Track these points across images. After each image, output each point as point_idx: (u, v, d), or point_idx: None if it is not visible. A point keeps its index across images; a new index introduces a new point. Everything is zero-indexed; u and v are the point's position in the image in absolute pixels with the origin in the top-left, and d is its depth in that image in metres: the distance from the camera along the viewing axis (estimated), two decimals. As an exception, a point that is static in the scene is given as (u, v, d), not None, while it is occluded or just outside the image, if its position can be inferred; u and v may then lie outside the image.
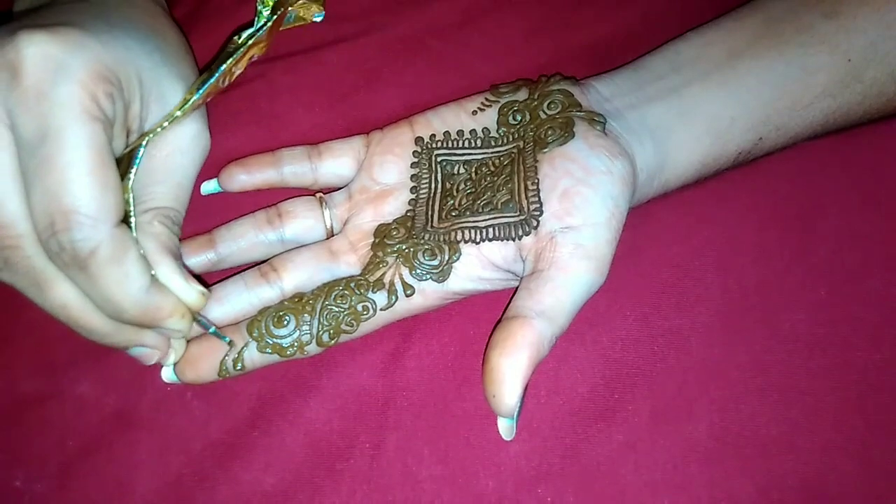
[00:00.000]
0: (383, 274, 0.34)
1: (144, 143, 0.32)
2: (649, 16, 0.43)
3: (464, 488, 0.33)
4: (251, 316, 0.34)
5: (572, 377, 0.34)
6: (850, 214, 0.36)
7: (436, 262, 0.34)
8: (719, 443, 0.33)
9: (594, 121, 0.35)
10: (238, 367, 0.33)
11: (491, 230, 0.34)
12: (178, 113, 0.33)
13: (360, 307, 0.34)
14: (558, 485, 0.32)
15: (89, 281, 0.29)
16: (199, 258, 0.37)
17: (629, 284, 0.35)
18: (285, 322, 0.34)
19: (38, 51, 0.28)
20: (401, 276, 0.34)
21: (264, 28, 0.38)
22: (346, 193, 0.38)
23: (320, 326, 0.34)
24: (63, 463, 0.34)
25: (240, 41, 0.37)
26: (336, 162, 0.38)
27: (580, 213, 0.33)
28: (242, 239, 0.37)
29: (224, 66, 0.35)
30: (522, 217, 0.34)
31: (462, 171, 0.37)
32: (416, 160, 0.37)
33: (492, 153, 0.37)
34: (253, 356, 0.34)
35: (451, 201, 0.36)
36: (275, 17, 0.38)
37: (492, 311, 0.36)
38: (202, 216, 0.38)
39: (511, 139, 0.37)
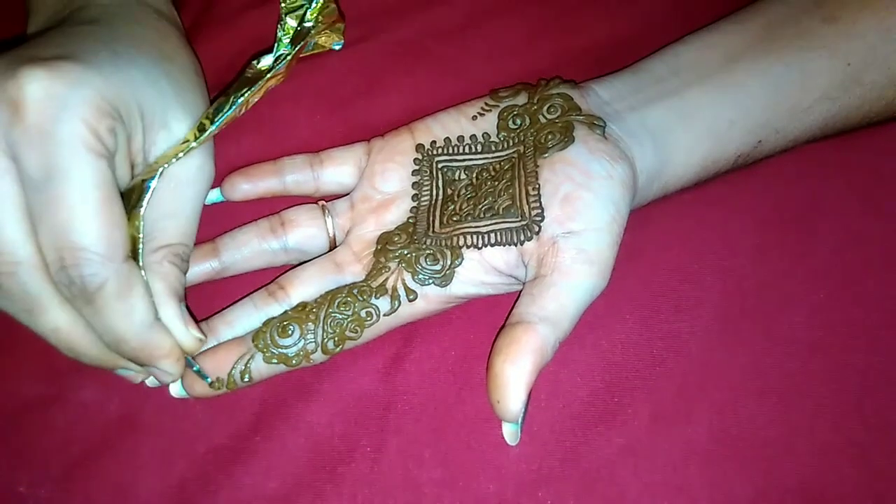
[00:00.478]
0: (386, 279, 0.35)
1: (158, 173, 0.33)
2: (649, 19, 0.43)
3: (464, 492, 0.33)
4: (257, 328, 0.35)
5: (572, 381, 0.34)
6: (849, 217, 0.36)
7: (438, 267, 0.34)
8: (719, 445, 0.33)
9: (594, 124, 0.35)
10: (245, 379, 0.34)
11: (493, 235, 0.34)
12: (194, 144, 0.33)
13: (363, 313, 0.34)
14: (558, 488, 0.33)
15: (95, 313, 0.30)
16: (203, 266, 0.37)
17: (629, 287, 0.35)
18: (290, 332, 0.34)
19: (39, 88, 0.29)
20: (403, 281, 0.34)
21: (285, 61, 0.38)
22: (348, 202, 0.38)
23: (325, 334, 0.34)
24: (66, 467, 0.34)
25: (259, 67, 0.38)
26: (337, 170, 0.39)
27: (582, 218, 0.33)
28: (246, 247, 0.37)
29: (242, 98, 0.35)
30: (524, 222, 0.34)
31: (463, 176, 0.37)
32: (416, 167, 0.38)
33: (492, 158, 0.37)
34: (259, 367, 0.34)
35: (453, 206, 0.36)
36: (296, 49, 0.39)
37: (492, 315, 0.36)
38: (205, 223, 0.38)
39: (511, 144, 0.37)
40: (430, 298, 0.35)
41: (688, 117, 0.37)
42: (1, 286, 0.30)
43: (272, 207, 0.39)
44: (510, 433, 0.32)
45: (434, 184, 0.37)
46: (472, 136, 0.38)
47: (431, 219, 0.36)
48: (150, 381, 0.35)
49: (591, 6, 0.44)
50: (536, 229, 0.33)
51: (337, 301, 0.34)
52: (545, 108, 0.37)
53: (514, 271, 0.34)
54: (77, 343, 0.31)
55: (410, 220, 0.36)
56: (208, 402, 0.35)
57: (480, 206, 0.35)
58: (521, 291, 0.34)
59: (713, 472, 0.32)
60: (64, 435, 0.35)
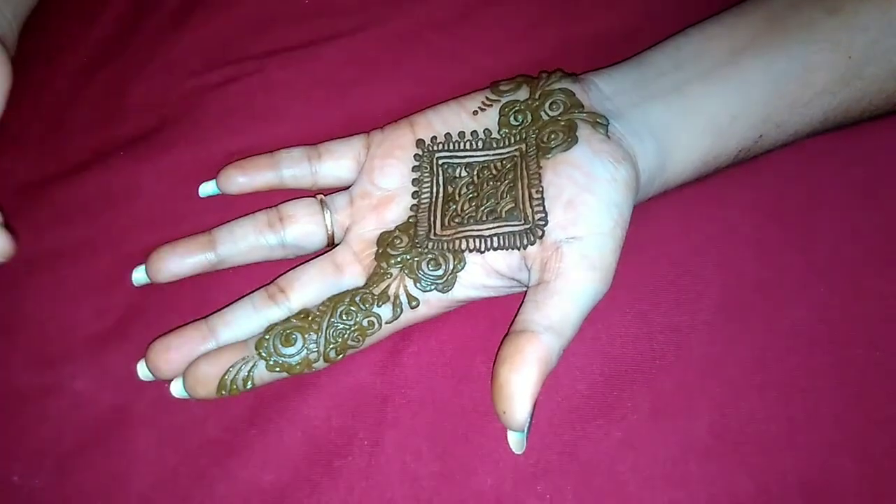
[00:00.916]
0: (388, 286, 0.34)
1: None
2: (649, 8, 0.43)
3: (462, 485, 0.33)
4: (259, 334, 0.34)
5: (571, 374, 0.34)
6: (850, 211, 0.36)
7: (440, 273, 0.34)
8: (718, 440, 0.32)
9: (597, 123, 0.35)
10: (248, 386, 0.34)
11: (495, 239, 0.34)
12: None
13: (365, 322, 0.34)
14: (557, 482, 0.32)
15: None
16: (199, 258, 0.37)
17: (628, 281, 0.35)
18: (293, 340, 0.34)
19: None
20: (405, 288, 0.34)
21: None
22: (346, 198, 0.38)
23: (327, 344, 0.34)
24: (60, 458, 0.34)
25: None
26: (336, 164, 0.38)
27: (585, 223, 0.33)
28: (243, 241, 0.37)
29: None
30: (527, 226, 0.34)
31: (464, 173, 0.37)
32: (417, 164, 0.37)
33: (493, 155, 0.37)
34: (262, 373, 0.34)
35: (454, 207, 0.36)
36: None
37: (490, 309, 0.36)
38: (199, 208, 0.38)
39: (513, 141, 0.37)
40: (431, 304, 0.34)
41: (690, 114, 0.37)
42: None
43: (268, 198, 0.39)
44: (516, 442, 0.32)
45: (434, 181, 0.37)
46: (473, 133, 0.38)
47: (432, 219, 0.36)
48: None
49: None
50: (540, 233, 0.33)
51: (339, 310, 0.34)
52: (547, 104, 0.37)
53: (517, 274, 0.34)
54: None
55: (411, 220, 0.36)
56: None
57: (482, 208, 0.35)
58: (524, 296, 0.33)
59: (712, 467, 0.32)
60: (58, 426, 0.35)
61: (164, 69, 0.42)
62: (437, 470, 0.33)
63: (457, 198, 0.36)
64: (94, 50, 0.44)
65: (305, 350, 0.34)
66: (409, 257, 0.35)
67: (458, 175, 0.37)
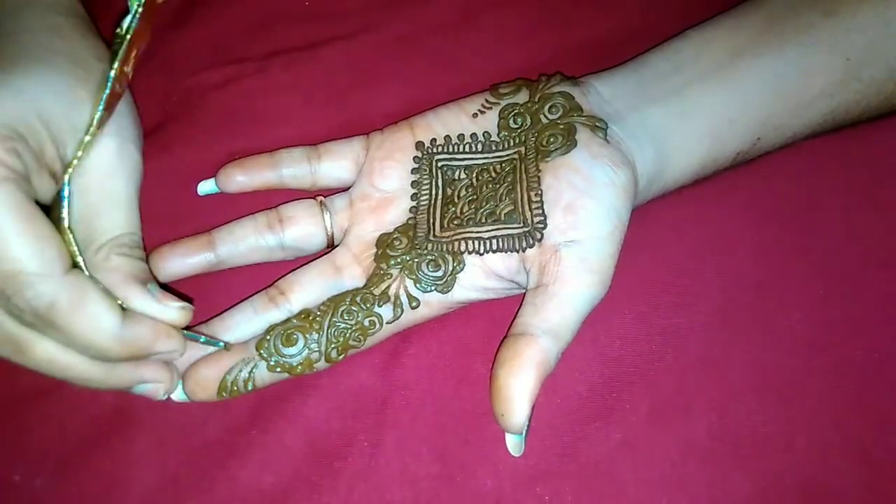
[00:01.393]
0: (388, 287, 0.34)
1: (66, 180, 0.32)
2: (648, 11, 0.43)
3: (462, 487, 0.33)
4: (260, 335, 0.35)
5: (570, 376, 0.34)
6: (849, 212, 0.36)
7: (440, 274, 0.34)
8: (717, 442, 0.33)
9: (596, 126, 0.35)
10: (249, 387, 0.34)
11: (495, 241, 0.34)
12: (88, 137, 0.32)
13: (366, 322, 0.34)
14: (556, 484, 0.32)
15: (61, 333, 0.30)
16: (198, 258, 0.37)
17: (627, 283, 0.35)
18: (294, 340, 0.34)
19: None
20: (405, 288, 0.34)
21: (136, 16, 0.34)
22: (346, 199, 0.38)
23: (328, 344, 0.34)
24: (61, 459, 0.34)
25: (123, 32, 0.34)
26: (335, 165, 0.38)
27: (584, 227, 0.33)
28: (242, 243, 0.37)
29: (113, 71, 0.33)
30: (526, 229, 0.34)
31: (463, 176, 0.37)
32: (416, 166, 0.37)
33: (493, 158, 0.37)
34: (263, 374, 0.34)
35: (453, 209, 0.36)
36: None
37: (490, 311, 0.36)
38: (200, 209, 0.38)
39: (512, 144, 0.37)
40: (431, 305, 0.35)
41: (688, 117, 0.37)
42: None
43: (268, 197, 0.39)
44: (514, 444, 0.32)
45: (434, 183, 0.37)
46: (473, 135, 0.38)
47: (432, 221, 0.36)
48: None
49: None
50: (539, 237, 0.33)
51: (341, 310, 0.34)
52: (546, 107, 0.37)
53: (515, 277, 0.34)
54: (78, 369, 0.31)
55: (410, 221, 0.36)
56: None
57: (482, 210, 0.35)
58: (522, 298, 0.34)
59: (712, 469, 0.32)
60: (59, 426, 0.35)
61: (164, 69, 0.42)
62: (436, 471, 0.33)
63: (456, 200, 0.36)
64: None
65: (307, 350, 0.34)
66: (408, 258, 0.35)
67: (457, 177, 0.37)
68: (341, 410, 0.35)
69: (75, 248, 0.31)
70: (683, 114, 0.37)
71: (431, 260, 0.34)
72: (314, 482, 0.33)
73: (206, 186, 0.39)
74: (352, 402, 0.35)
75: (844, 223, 0.36)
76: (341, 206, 0.38)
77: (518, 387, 0.30)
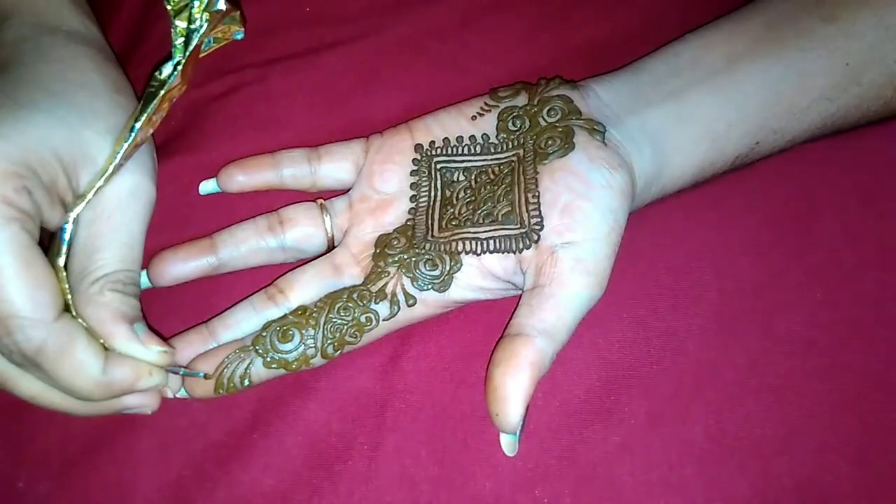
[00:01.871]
0: (385, 284, 0.35)
1: (69, 220, 0.32)
2: (648, 15, 0.43)
3: (461, 490, 0.33)
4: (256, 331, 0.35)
5: (569, 379, 0.34)
6: (847, 216, 0.36)
7: (437, 273, 0.34)
8: (715, 444, 0.33)
9: (594, 129, 0.36)
10: (245, 383, 0.34)
11: (492, 242, 0.34)
12: (101, 183, 0.32)
13: (363, 318, 0.34)
14: (555, 486, 0.33)
15: (46, 374, 0.31)
16: (200, 262, 0.37)
17: (625, 286, 0.35)
18: (290, 336, 0.34)
19: None
20: (403, 286, 0.35)
21: (179, 69, 0.35)
22: (346, 201, 0.38)
23: (324, 339, 0.34)
24: (65, 464, 0.34)
25: (161, 78, 0.35)
26: (335, 166, 0.39)
27: (581, 229, 0.33)
28: (244, 245, 0.37)
29: (144, 116, 0.33)
30: (523, 230, 0.34)
31: (461, 177, 0.37)
32: (415, 167, 0.38)
33: (491, 160, 0.37)
34: (259, 371, 0.34)
35: (451, 210, 0.36)
36: (188, 52, 0.35)
37: (489, 314, 0.36)
38: (201, 214, 0.38)
39: (510, 146, 0.37)
40: (428, 303, 0.35)
41: (686, 120, 0.37)
42: None
43: (268, 198, 0.39)
44: (508, 444, 0.32)
45: (432, 184, 0.37)
46: (472, 137, 0.38)
47: (430, 222, 0.36)
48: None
49: (590, 2, 0.44)
50: (535, 238, 0.34)
51: (337, 306, 0.34)
52: (545, 110, 0.37)
53: (512, 278, 0.34)
54: (60, 404, 0.32)
55: (409, 222, 0.36)
56: (206, 400, 0.35)
57: (479, 212, 0.35)
58: (519, 299, 0.34)
59: (710, 471, 0.32)
60: (63, 431, 0.35)
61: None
62: (436, 474, 0.33)
63: (454, 201, 0.36)
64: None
65: (303, 346, 0.34)
66: (406, 257, 0.35)
67: (455, 179, 0.37)
68: (341, 414, 0.35)
69: (66, 286, 0.32)
70: (682, 117, 0.37)
71: (429, 259, 0.35)
72: (314, 485, 0.34)
73: (207, 186, 0.39)
74: (352, 406, 0.35)
75: (842, 227, 0.36)
76: (341, 208, 0.38)
77: (513, 387, 0.31)
